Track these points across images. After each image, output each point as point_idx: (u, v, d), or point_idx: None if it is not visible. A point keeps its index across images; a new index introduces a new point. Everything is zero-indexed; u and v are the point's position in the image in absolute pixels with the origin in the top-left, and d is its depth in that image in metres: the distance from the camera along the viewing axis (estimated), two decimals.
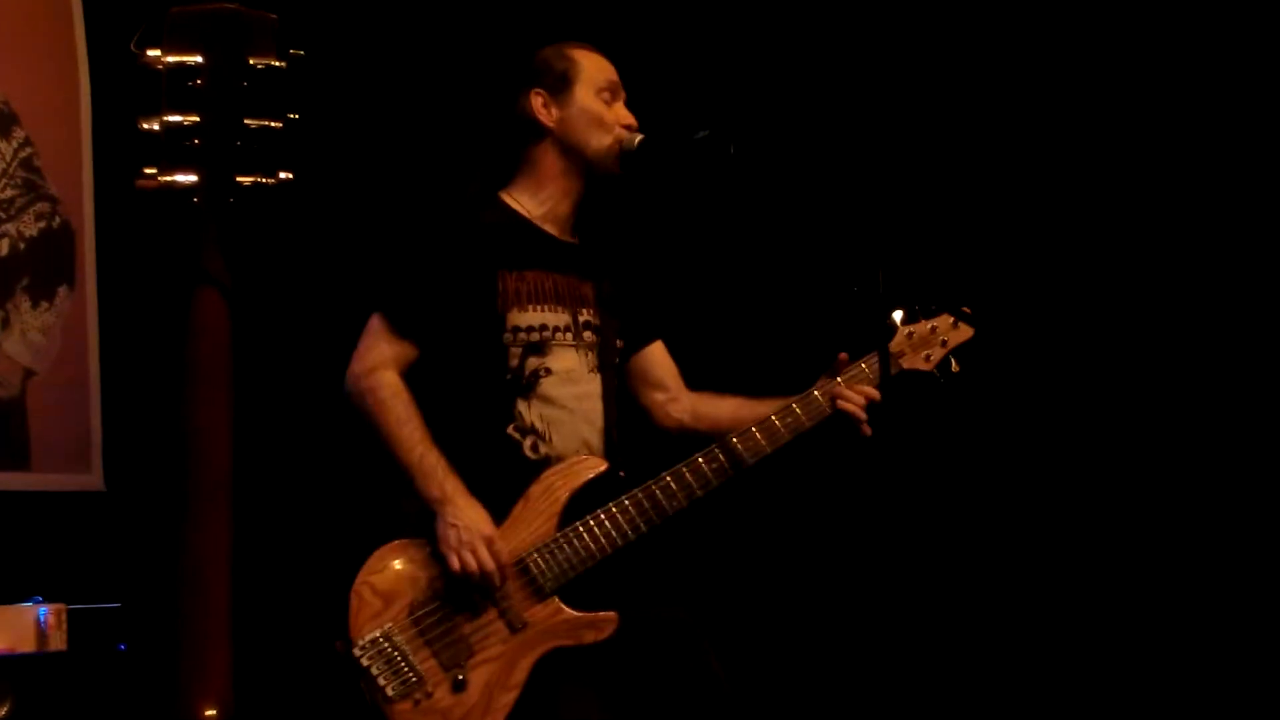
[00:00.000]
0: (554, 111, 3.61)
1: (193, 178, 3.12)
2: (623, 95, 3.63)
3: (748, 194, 3.90)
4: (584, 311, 3.61)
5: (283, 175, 3.14)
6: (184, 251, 3.14)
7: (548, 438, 3.54)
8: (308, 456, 4.69)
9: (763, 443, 3.52)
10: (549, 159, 3.60)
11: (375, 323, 3.55)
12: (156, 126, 3.11)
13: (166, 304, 3.32)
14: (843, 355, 3.51)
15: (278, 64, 3.19)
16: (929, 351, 3.62)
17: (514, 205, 3.63)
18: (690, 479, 3.47)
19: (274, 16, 3.18)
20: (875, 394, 3.55)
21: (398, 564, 3.42)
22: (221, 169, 3.13)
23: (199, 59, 3.13)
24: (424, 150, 4.84)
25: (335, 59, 4.55)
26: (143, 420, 4.91)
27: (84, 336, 5.50)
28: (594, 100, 3.59)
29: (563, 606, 3.45)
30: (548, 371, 3.54)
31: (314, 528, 4.50)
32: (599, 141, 3.55)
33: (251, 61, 3.16)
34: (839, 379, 3.50)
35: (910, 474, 4.63)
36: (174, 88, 3.16)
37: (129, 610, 4.40)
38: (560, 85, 3.61)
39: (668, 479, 3.48)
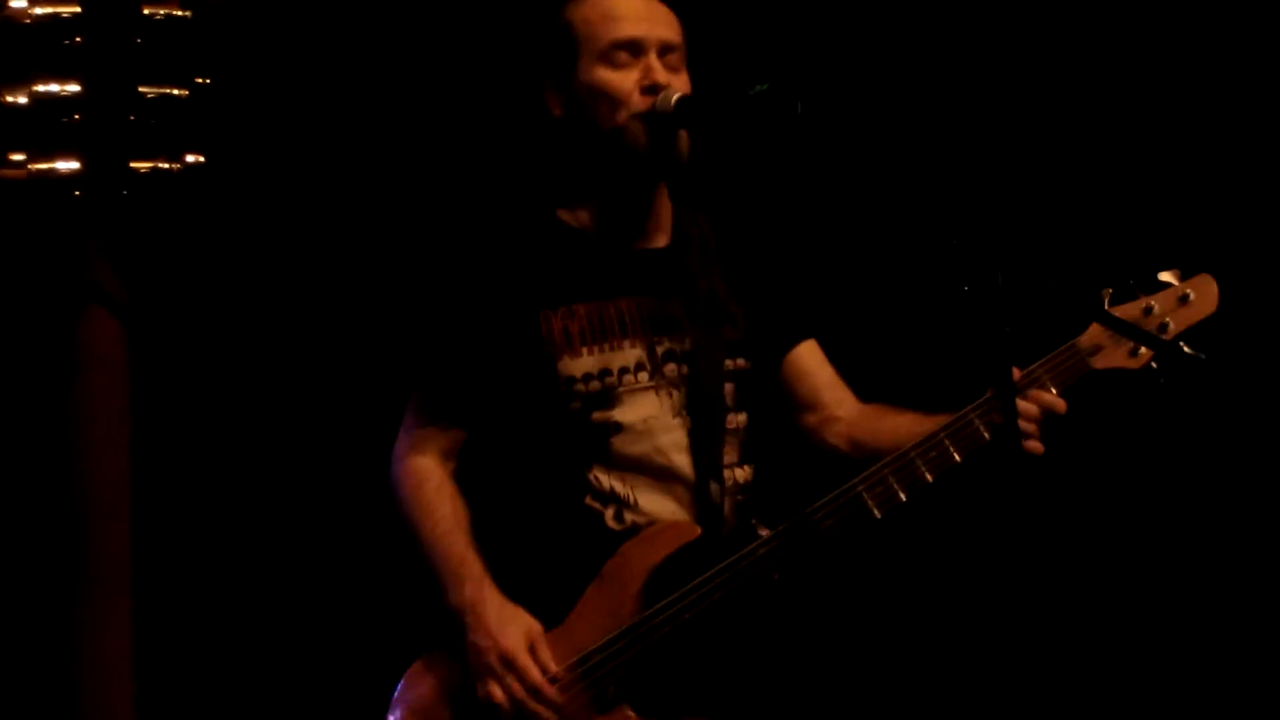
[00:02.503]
0: (561, 99, 3.02)
1: (74, 164, 2.87)
2: (652, 47, 2.99)
3: (820, 166, 3.18)
4: (666, 339, 3.08)
5: (190, 159, 2.89)
6: (64, 260, 2.90)
7: (633, 502, 3.04)
8: (235, 525, 3.96)
9: (896, 490, 2.94)
10: (578, 157, 3.04)
11: (412, 400, 3.10)
12: (23, 99, 2.89)
13: (42, 330, 3.01)
14: (1014, 370, 2.96)
15: (181, 12, 2.91)
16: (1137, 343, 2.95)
17: (569, 220, 3.08)
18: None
19: None
20: (1059, 404, 2.91)
21: (437, 680, 3.00)
22: (110, 152, 2.89)
23: (77, 8, 2.88)
24: (413, 124, 3.98)
25: None
26: (12, 485, 4.02)
27: None
28: (598, 70, 3.01)
29: (632, 715, 2.95)
30: (617, 427, 3.05)
31: (248, 618, 3.80)
32: (610, 122, 3.00)
33: (147, 11, 2.90)
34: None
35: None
36: (45, 47, 2.89)
37: None
38: (563, 62, 3.04)
39: (768, 537, 2.91)
